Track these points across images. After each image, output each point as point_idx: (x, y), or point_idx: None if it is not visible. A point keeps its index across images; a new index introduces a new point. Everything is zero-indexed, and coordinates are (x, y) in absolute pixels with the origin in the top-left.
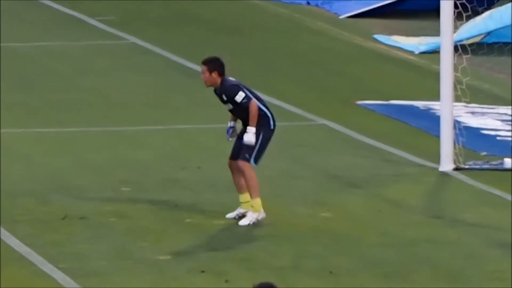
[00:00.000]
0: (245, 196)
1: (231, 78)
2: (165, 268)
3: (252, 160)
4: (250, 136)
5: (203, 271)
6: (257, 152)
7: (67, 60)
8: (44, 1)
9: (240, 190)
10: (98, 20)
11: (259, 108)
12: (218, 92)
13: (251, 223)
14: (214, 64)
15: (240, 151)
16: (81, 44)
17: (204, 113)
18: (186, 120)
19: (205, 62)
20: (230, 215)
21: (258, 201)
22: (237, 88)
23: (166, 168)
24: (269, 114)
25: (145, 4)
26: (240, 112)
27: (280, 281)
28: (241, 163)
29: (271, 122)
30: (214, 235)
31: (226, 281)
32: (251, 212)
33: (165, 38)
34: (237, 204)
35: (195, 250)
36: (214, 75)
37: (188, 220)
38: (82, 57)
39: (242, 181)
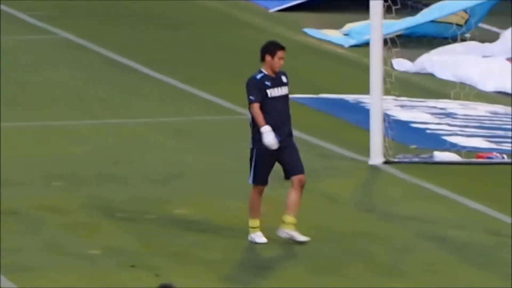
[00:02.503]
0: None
1: None
2: (96, 263)
3: None
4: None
5: (133, 266)
6: None
7: None
8: None
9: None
10: (29, 15)
11: None
12: (276, 76)
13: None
14: None
15: (297, 162)
16: (12, 39)
17: (138, 107)
18: (120, 114)
19: (284, 48)
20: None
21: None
22: None
23: (100, 162)
24: None
25: None
26: (283, 105)
27: (212, 274)
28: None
29: None
30: (146, 229)
31: (157, 275)
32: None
33: (97, 33)
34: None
35: (126, 245)
36: None
37: (119, 214)
38: (13, 52)
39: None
